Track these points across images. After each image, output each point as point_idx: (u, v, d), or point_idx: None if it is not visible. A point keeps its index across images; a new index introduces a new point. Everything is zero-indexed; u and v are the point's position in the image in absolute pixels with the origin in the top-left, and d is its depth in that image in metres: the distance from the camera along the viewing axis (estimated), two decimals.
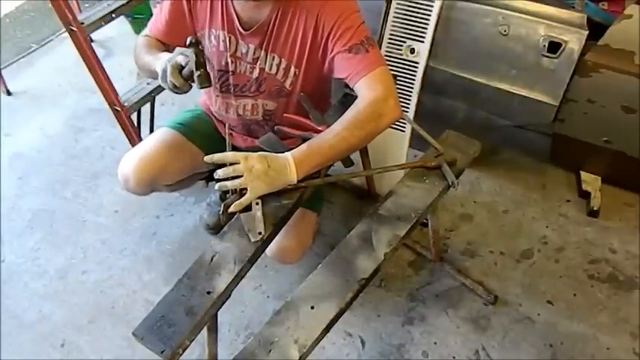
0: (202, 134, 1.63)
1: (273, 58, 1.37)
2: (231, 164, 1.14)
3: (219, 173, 1.14)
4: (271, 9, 1.29)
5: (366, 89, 1.22)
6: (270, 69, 1.39)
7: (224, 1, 1.34)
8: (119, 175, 1.54)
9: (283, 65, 1.37)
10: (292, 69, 1.37)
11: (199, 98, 1.74)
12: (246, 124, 1.56)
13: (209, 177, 1.87)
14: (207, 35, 1.41)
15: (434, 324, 1.68)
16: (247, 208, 1.16)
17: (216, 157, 1.16)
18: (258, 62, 1.39)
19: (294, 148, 1.20)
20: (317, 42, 1.30)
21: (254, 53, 1.38)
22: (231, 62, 1.42)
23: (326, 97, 1.62)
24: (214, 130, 1.67)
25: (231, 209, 1.14)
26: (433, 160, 1.31)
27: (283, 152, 1.19)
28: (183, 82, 1.20)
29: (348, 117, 1.20)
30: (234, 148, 1.64)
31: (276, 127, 1.46)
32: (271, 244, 1.33)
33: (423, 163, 1.32)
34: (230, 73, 1.44)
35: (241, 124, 1.57)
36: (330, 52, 1.28)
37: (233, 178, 1.13)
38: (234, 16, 1.34)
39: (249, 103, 1.49)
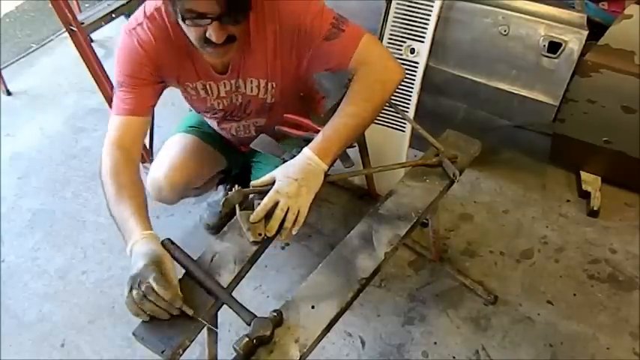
0: (214, 135, 1.64)
1: (251, 81, 1.35)
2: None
3: (269, 224, 1.12)
4: (237, 45, 1.23)
5: (360, 65, 1.21)
6: (251, 91, 1.38)
7: (193, 57, 1.27)
8: (149, 187, 1.55)
9: (262, 84, 1.36)
10: (269, 84, 1.36)
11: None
12: (240, 139, 1.59)
13: (222, 180, 1.89)
14: (183, 89, 1.39)
15: (434, 324, 1.68)
16: (247, 208, 1.16)
17: (257, 217, 1.13)
18: (239, 90, 1.38)
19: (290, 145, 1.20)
20: (286, 47, 1.26)
21: (234, 86, 1.36)
22: (217, 103, 1.41)
23: (314, 91, 1.59)
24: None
25: (255, 218, 1.12)
26: (434, 158, 1.31)
27: (278, 153, 1.19)
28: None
29: (354, 93, 1.19)
30: (237, 153, 1.67)
31: (276, 128, 1.46)
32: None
33: (423, 161, 1.32)
34: (217, 110, 1.44)
35: (237, 139, 1.60)
36: (307, 50, 1.25)
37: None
38: (208, 66, 1.29)
39: (240, 125, 1.52)
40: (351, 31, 1.21)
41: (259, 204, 1.13)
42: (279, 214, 1.12)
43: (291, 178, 1.14)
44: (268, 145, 1.30)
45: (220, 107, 1.42)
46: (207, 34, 1.09)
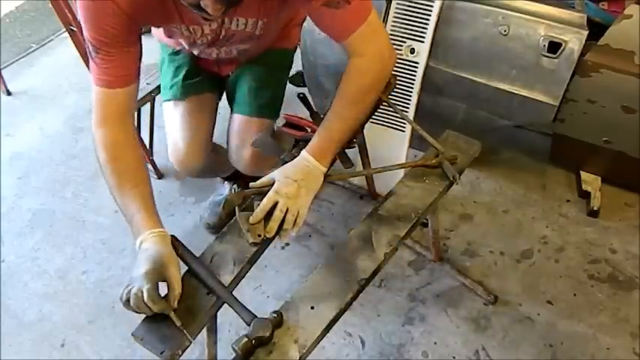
0: (196, 83, 1.58)
1: (238, 20, 1.27)
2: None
3: (269, 225, 1.13)
4: None
5: (355, 54, 1.17)
6: (238, 27, 1.29)
7: (179, 11, 1.17)
8: (175, 161, 1.57)
9: (251, 22, 1.28)
10: (259, 21, 1.29)
11: (161, 40, 1.62)
12: (221, 60, 1.55)
13: (231, 177, 1.91)
14: (165, 29, 1.33)
15: (434, 324, 1.68)
16: (247, 209, 1.16)
17: (256, 218, 1.12)
18: (224, 26, 1.28)
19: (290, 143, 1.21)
20: None
21: (220, 25, 1.28)
22: (200, 40, 1.34)
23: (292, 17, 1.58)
24: (197, 64, 1.59)
25: (254, 220, 1.12)
26: (434, 159, 1.31)
27: (278, 152, 1.19)
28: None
29: (347, 96, 1.17)
30: (213, 75, 1.62)
31: (275, 128, 1.46)
32: (235, 157, 1.56)
33: (423, 162, 1.32)
34: (198, 44, 1.38)
35: (216, 61, 1.56)
36: (302, 6, 1.17)
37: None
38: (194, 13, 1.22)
39: (222, 51, 1.47)
40: (356, 7, 1.11)
41: (259, 205, 1.13)
42: (278, 215, 1.12)
43: (291, 179, 1.14)
44: (268, 145, 1.31)
45: (202, 42, 1.36)
46: (201, 3, 0.94)
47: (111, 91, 1.13)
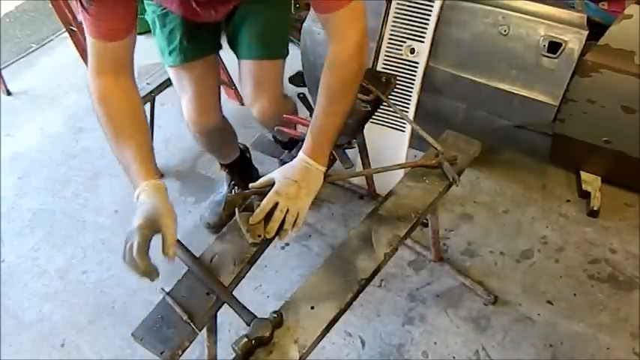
0: (194, 47, 1.51)
1: None
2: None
3: (269, 226, 1.13)
4: None
5: (335, 38, 1.15)
6: None
7: None
8: (190, 121, 1.56)
9: None
10: None
11: None
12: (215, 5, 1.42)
13: (231, 167, 1.90)
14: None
15: (434, 324, 1.68)
16: (247, 209, 1.16)
17: (256, 219, 1.13)
18: None
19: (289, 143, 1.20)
20: None
21: None
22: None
23: None
24: (190, 22, 1.47)
25: (254, 220, 1.12)
26: (434, 159, 1.31)
27: (276, 153, 1.19)
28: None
29: (332, 90, 1.17)
30: (208, 27, 1.51)
31: (275, 128, 1.46)
32: (252, 103, 1.54)
33: (423, 162, 1.32)
34: None
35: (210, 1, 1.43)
36: None
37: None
38: None
39: None
40: None
41: (259, 205, 1.13)
42: (278, 215, 1.12)
43: (291, 180, 1.14)
44: (267, 145, 1.31)
45: None
46: None
47: (107, 44, 1.06)
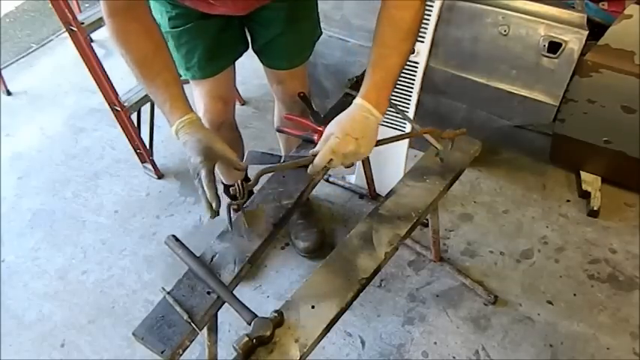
0: (213, 63, 1.43)
1: None
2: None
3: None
4: None
5: None
6: None
7: None
8: (206, 121, 1.47)
9: None
10: None
11: None
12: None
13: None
14: None
15: (434, 324, 1.68)
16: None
17: (314, 170, 1.07)
18: None
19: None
20: None
21: None
22: None
23: None
24: (202, 19, 1.33)
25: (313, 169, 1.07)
26: (434, 157, 1.31)
27: (273, 163, 1.15)
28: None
29: (403, 27, 1.06)
30: (240, 33, 1.46)
31: (276, 128, 1.46)
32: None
33: (425, 131, 1.28)
34: None
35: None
36: None
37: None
38: None
39: None
40: None
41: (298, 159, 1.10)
42: (323, 170, 1.07)
43: (351, 137, 1.02)
44: (261, 157, 1.26)
45: None
46: None
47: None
